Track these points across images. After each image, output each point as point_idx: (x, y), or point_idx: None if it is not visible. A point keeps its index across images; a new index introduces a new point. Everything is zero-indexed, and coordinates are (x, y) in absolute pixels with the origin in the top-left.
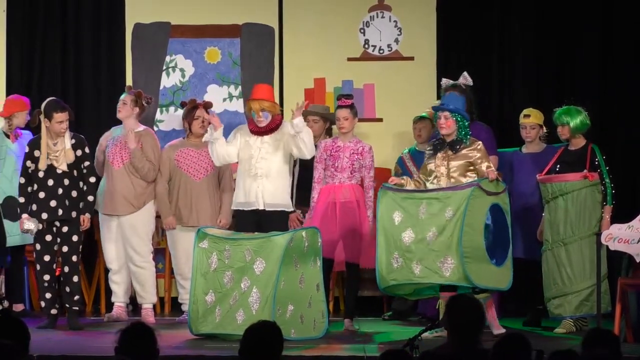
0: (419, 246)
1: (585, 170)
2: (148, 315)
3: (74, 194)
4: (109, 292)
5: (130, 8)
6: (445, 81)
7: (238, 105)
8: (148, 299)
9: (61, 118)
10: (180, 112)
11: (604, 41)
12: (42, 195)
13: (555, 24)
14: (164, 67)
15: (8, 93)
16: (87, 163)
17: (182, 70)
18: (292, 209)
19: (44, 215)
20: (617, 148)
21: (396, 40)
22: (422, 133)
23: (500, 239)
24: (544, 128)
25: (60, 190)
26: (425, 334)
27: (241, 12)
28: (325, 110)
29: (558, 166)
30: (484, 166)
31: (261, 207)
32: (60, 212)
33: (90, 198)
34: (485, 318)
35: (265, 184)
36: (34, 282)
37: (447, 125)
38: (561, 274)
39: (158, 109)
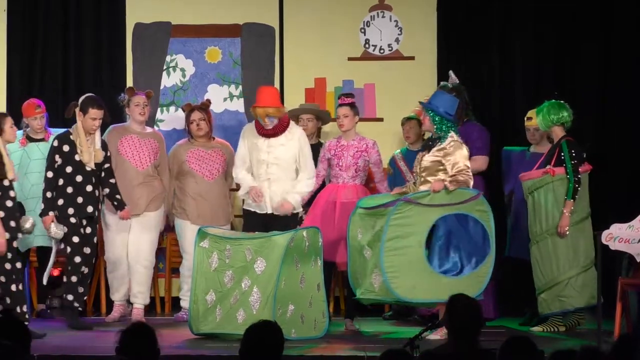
0: (371, 262)
1: (548, 166)
2: (140, 314)
3: (97, 192)
4: (109, 291)
5: (130, 8)
6: (443, 83)
7: (239, 105)
8: (144, 299)
9: (96, 115)
10: (181, 112)
11: (604, 40)
12: (69, 190)
13: (555, 23)
14: (165, 67)
15: (9, 93)
16: (107, 165)
17: (182, 70)
18: (300, 210)
19: (70, 211)
20: (615, 148)
21: (397, 40)
22: (410, 134)
23: (464, 249)
24: None
25: (89, 188)
26: (426, 333)
27: (242, 11)
28: (316, 107)
29: (544, 161)
30: (449, 167)
31: (269, 211)
32: (89, 209)
33: (118, 197)
34: (483, 316)
35: (275, 188)
36: (35, 282)
37: (424, 122)
38: (536, 272)
39: (159, 109)
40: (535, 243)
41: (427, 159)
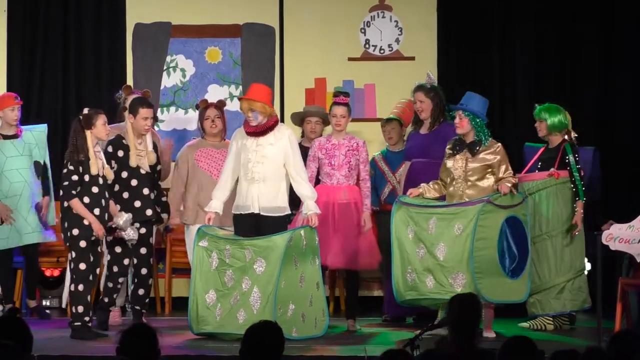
0: (430, 261)
1: (552, 169)
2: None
3: (152, 195)
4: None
5: (131, 8)
6: (420, 83)
7: (239, 106)
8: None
9: (146, 114)
10: (181, 112)
11: (604, 40)
12: (126, 195)
13: (556, 23)
14: (165, 67)
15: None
16: (159, 166)
17: (182, 70)
18: (288, 212)
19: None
20: (615, 148)
21: (397, 40)
22: (393, 135)
23: (517, 251)
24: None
25: (145, 191)
26: (426, 334)
27: (242, 12)
28: (322, 110)
29: (539, 164)
30: (502, 170)
31: (256, 211)
32: (148, 212)
33: (165, 199)
34: (481, 314)
35: (262, 188)
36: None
37: (461, 125)
38: (532, 272)
39: (159, 109)
40: (532, 244)
41: (475, 162)
